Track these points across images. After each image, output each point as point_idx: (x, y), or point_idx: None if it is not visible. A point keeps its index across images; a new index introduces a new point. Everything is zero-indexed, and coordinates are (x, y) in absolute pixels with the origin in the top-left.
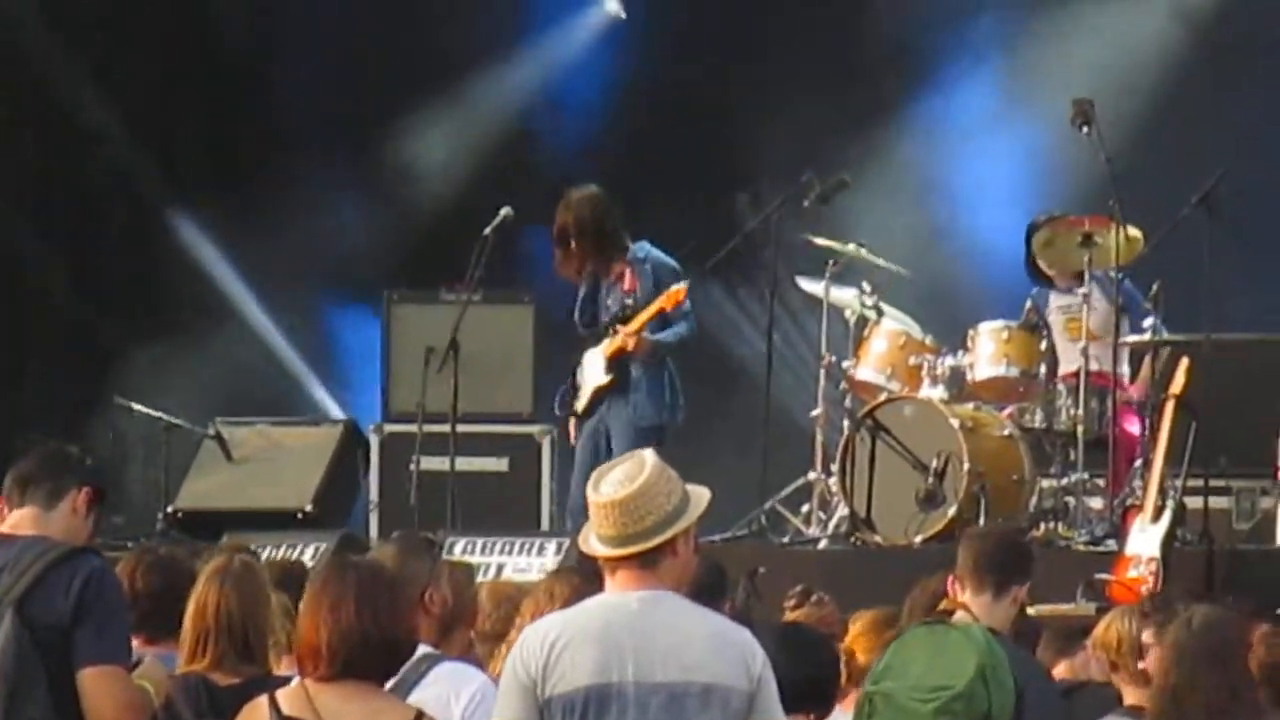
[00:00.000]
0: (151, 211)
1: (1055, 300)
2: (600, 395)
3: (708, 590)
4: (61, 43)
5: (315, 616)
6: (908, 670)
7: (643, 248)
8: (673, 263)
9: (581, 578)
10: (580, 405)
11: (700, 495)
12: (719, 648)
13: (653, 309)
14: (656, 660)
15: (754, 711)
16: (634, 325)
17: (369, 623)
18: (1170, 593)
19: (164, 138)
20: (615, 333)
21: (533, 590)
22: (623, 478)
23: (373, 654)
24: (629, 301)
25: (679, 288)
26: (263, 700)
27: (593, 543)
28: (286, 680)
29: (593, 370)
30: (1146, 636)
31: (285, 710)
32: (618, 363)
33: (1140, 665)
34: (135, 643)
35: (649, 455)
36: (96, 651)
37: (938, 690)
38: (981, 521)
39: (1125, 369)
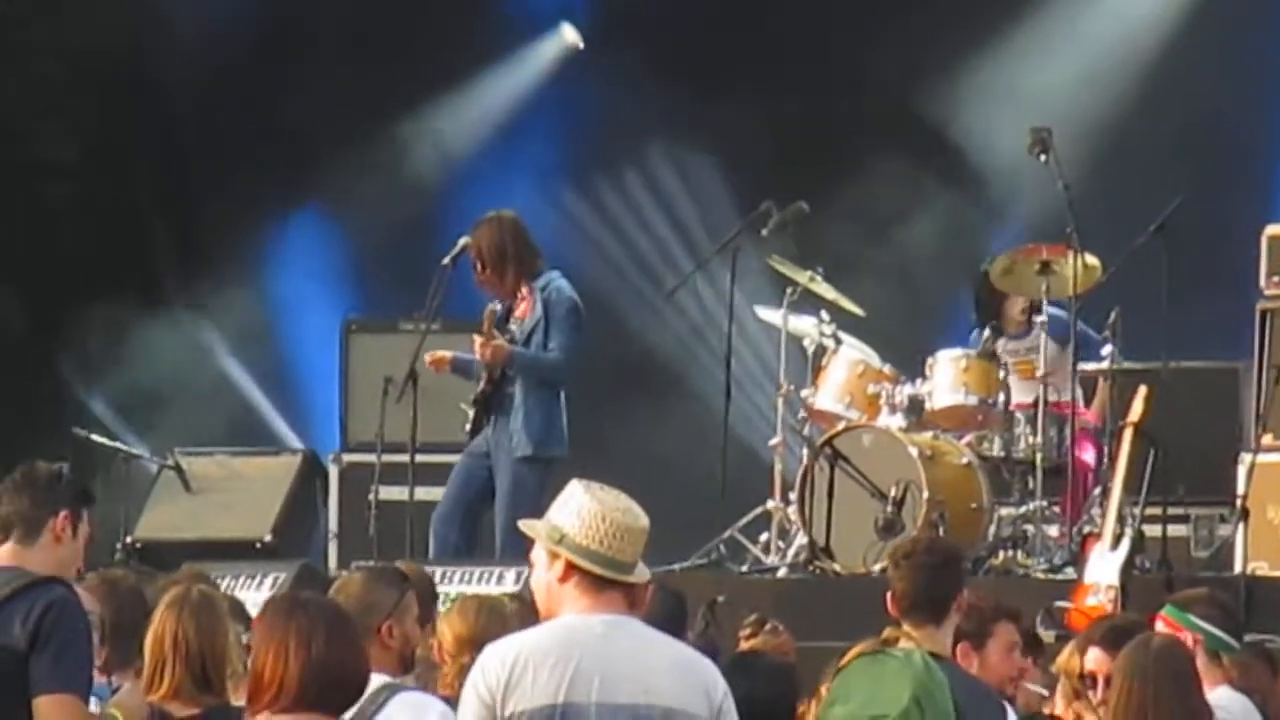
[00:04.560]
0: (106, 242)
1: (1003, 345)
2: (480, 416)
3: (669, 620)
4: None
5: (281, 649)
6: (849, 700)
7: (549, 277)
8: (571, 298)
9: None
10: (469, 426)
11: None
12: (682, 674)
13: (477, 354)
14: (620, 682)
15: None
16: (478, 354)
17: (338, 656)
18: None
19: (116, 166)
20: None
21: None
22: (630, 505)
23: (337, 688)
24: (513, 328)
25: (476, 347)
26: None
27: (588, 562)
28: (243, 710)
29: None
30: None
31: None
32: (492, 386)
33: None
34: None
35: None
36: (51, 680)
37: (875, 719)
38: None
39: (1079, 394)
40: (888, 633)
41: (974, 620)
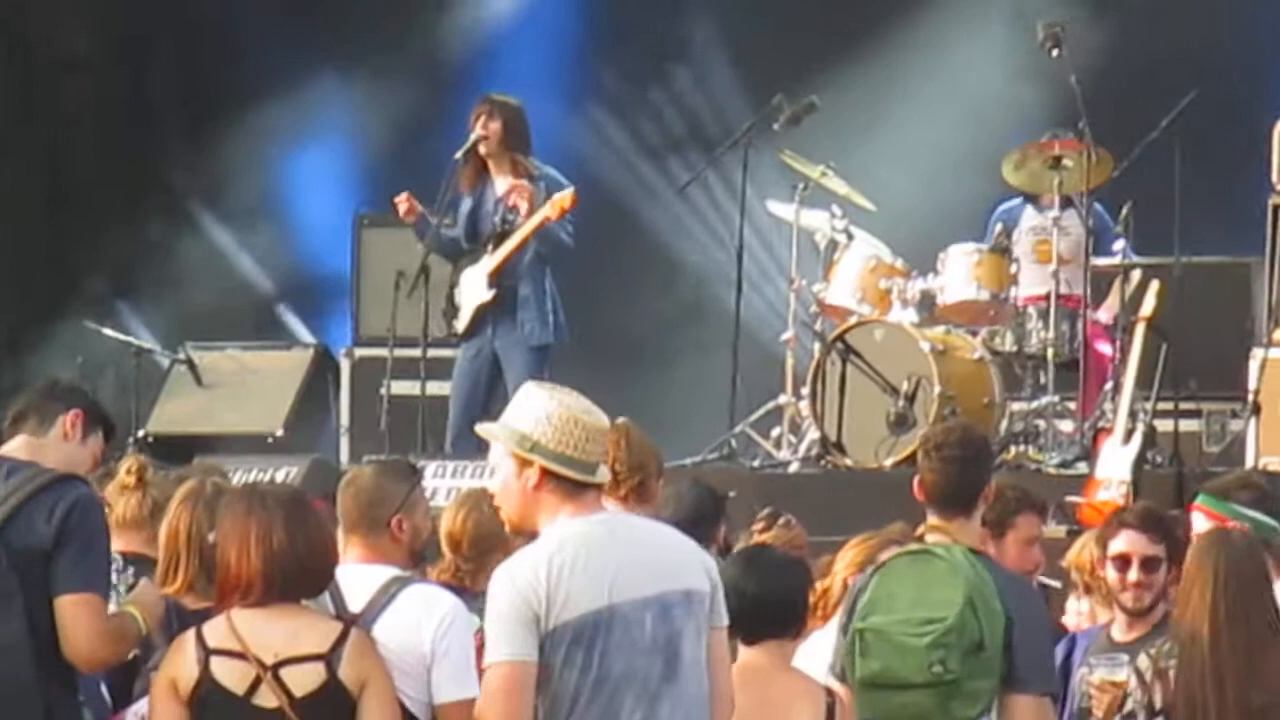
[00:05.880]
0: (122, 136)
1: (1028, 221)
2: (482, 314)
3: (704, 515)
4: None
5: (242, 546)
6: (895, 604)
7: (538, 165)
8: (568, 184)
9: None
10: (461, 325)
11: None
12: (684, 553)
13: (539, 217)
14: (641, 573)
15: (712, 611)
16: (524, 230)
17: (301, 548)
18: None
19: (134, 65)
20: (496, 248)
21: None
22: (590, 406)
23: (302, 577)
24: (510, 217)
25: (567, 193)
26: (189, 634)
27: (566, 469)
28: None
29: (473, 288)
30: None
31: (211, 643)
32: (500, 278)
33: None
34: None
35: None
36: (73, 580)
37: (929, 623)
38: None
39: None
40: (923, 528)
41: (996, 509)
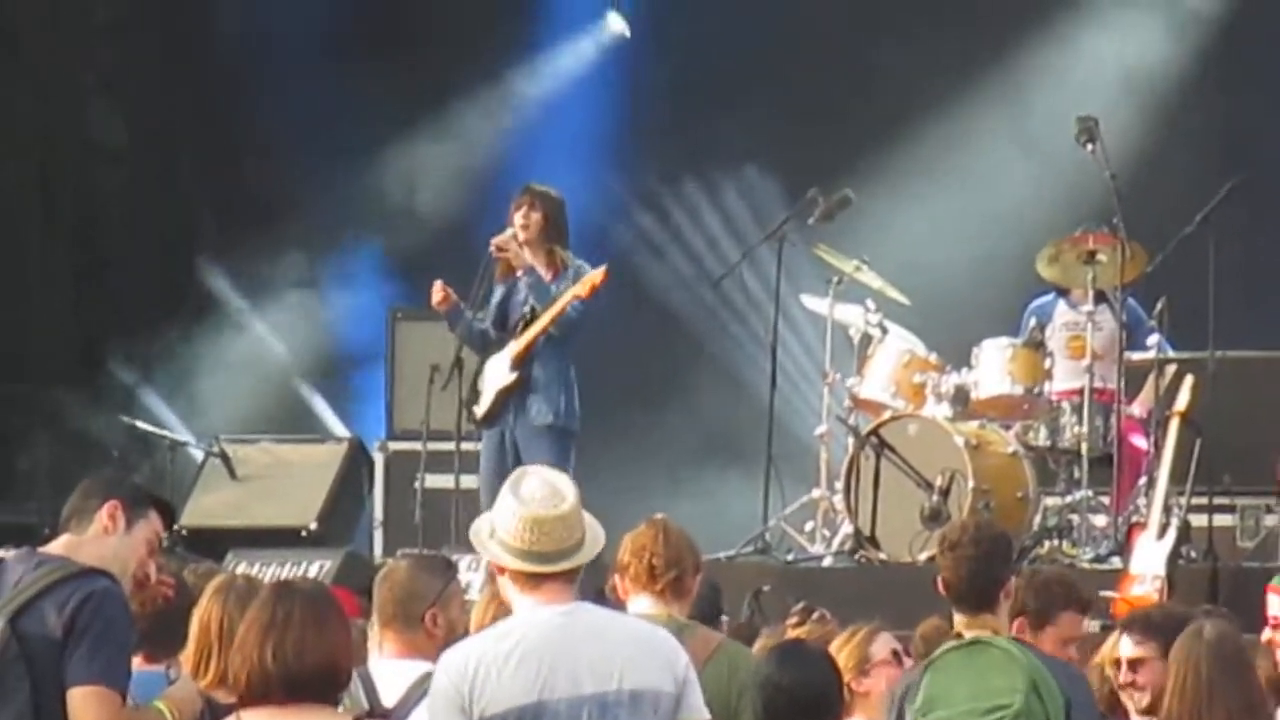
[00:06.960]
0: (155, 227)
1: (1061, 316)
2: (504, 399)
3: (704, 608)
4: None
5: (239, 647)
6: (953, 698)
7: (573, 257)
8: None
9: None
10: (481, 410)
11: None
12: (643, 652)
13: (569, 294)
14: (583, 672)
15: (681, 710)
16: (553, 310)
17: (280, 650)
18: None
19: (164, 150)
20: (523, 333)
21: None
22: (551, 493)
23: (298, 680)
24: (534, 306)
25: (599, 270)
26: None
27: (511, 559)
28: None
29: (496, 373)
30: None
31: None
32: (524, 363)
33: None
34: (135, 660)
35: (557, 472)
36: (85, 672)
37: (995, 710)
38: None
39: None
40: (959, 627)
41: (1041, 600)
